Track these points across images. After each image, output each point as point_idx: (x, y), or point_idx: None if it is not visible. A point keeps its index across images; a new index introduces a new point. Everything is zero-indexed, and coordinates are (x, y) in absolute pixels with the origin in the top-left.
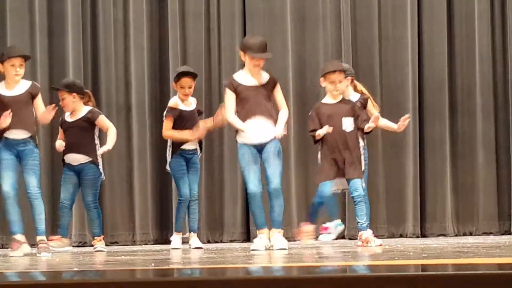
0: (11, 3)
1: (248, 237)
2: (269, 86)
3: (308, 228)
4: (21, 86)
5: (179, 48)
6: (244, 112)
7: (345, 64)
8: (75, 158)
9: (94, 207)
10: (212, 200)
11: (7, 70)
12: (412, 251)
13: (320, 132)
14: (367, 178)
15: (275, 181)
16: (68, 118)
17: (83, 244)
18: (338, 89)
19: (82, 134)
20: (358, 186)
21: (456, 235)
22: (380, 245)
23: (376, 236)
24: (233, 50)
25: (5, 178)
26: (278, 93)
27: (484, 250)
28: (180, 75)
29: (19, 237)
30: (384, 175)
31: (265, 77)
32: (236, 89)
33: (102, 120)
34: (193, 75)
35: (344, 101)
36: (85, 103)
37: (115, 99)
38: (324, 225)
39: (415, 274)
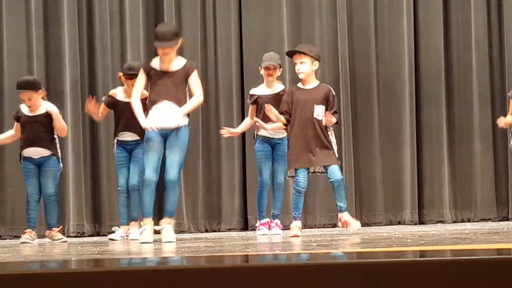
0: None
1: (246, 226)
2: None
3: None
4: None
5: None
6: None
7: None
8: (37, 151)
9: (54, 199)
10: (210, 189)
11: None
12: (410, 238)
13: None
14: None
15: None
16: (27, 112)
17: (81, 234)
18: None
19: (44, 128)
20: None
21: (454, 222)
22: (358, 230)
23: (374, 223)
24: (229, 40)
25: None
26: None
27: (482, 236)
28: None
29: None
30: (382, 162)
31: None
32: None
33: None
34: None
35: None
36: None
37: (112, 89)
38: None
39: (413, 260)
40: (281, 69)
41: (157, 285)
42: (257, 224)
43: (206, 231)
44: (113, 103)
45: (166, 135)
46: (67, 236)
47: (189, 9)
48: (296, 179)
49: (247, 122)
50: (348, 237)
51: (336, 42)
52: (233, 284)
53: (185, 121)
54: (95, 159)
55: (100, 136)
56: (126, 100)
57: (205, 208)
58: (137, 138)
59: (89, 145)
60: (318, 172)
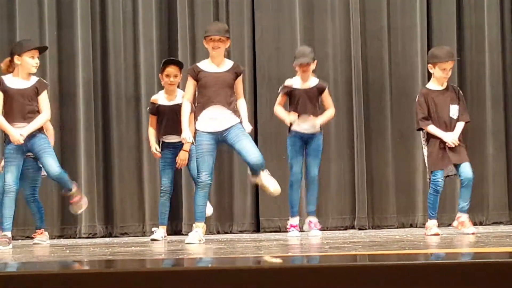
0: None
1: (258, 227)
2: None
3: (430, 223)
4: (30, 80)
5: (188, 39)
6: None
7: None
8: None
9: (33, 200)
10: (222, 191)
11: (25, 61)
12: (422, 241)
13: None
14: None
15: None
16: None
17: (93, 235)
18: (447, 76)
19: None
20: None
21: None
22: (473, 233)
23: (386, 226)
24: (241, 40)
25: (9, 172)
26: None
27: (494, 239)
28: (165, 64)
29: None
30: (394, 165)
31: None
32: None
33: None
34: (178, 64)
35: (448, 88)
36: None
37: (124, 90)
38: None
39: (425, 262)
40: (315, 61)
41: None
42: (288, 225)
43: (218, 233)
44: (156, 109)
45: (218, 138)
46: (79, 237)
47: (202, 9)
48: (434, 179)
49: (282, 111)
50: (360, 240)
51: (349, 43)
52: (245, 285)
53: (238, 120)
54: (107, 160)
55: (113, 137)
56: (168, 103)
57: (216, 209)
58: (179, 140)
59: (102, 146)
60: (451, 175)
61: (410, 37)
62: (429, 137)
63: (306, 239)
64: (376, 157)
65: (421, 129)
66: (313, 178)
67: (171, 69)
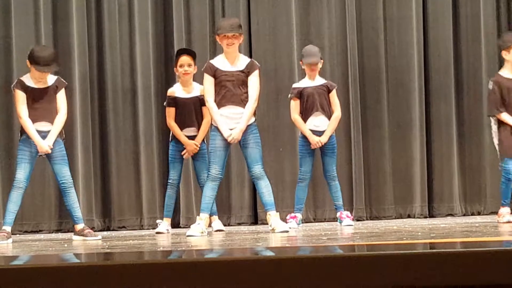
0: None
1: (255, 219)
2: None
3: (503, 210)
4: (49, 80)
5: (183, 31)
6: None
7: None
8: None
9: None
10: (220, 183)
11: (33, 71)
12: (420, 231)
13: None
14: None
15: None
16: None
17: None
18: None
19: None
20: None
21: (464, 215)
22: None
23: (384, 217)
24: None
25: (21, 169)
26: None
27: (492, 229)
28: (178, 54)
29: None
30: (391, 156)
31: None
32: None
33: None
34: (191, 53)
35: None
36: None
37: (121, 84)
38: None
39: (423, 252)
40: (322, 60)
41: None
42: (288, 216)
43: None
44: (174, 102)
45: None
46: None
47: (198, 2)
48: (506, 167)
49: (303, 124)
50: (358, 231)
51: (345, 34)
52: (244, 276)
53: (252, 119)
54: (104, 154)
55: (109, 131)
56: (185, 95)
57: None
58: (195, 134)
59: (99, 140)
60: None
61: (406, 27)
62: (500, 125)
63: (302, 231)
64: (373, 148)
65: (492, 116)
66: (332, 176)
67: (185, 58)
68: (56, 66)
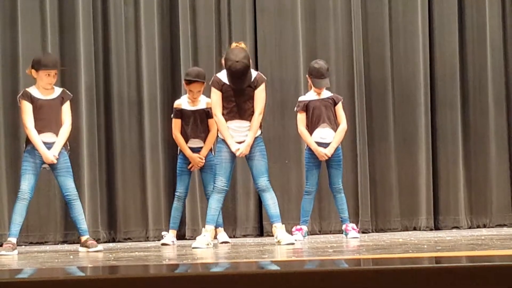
0: (22, 1)
1: (261, 231)
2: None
3: None
4: (54, 92)
5: (190, 44)
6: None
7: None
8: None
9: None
10: (225, 195)
11: (40, 78)
12: (426, 244)
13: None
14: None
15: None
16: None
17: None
18: None
19: None
20: None
21: (470, 228)
22: None
23: (389, 229)
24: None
25: (26, 180)
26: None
27: (498, 242)
28: (191, 81)
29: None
30: (397, 167)
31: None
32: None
33: None
34: (203, 81)
35: None
36: None
37: (127, 95)
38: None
39: (429, 266)
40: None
41: None
42: (293, 229)
43: None
44: (180, 113)
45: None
46: None
47: (204, 14)
48: None
49: (307, 134)
50: (364, 243)
51: (351, 45)
52: None
53: (258, 132)
54: (110, 165)
55: (115, 142)
56: (191, 108)
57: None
58: (201, 145)
59: (104, 151)
60: None
61: (411, 39)
62: None
63: (308, 243)
64: (379, 160)
65: None
66: (338, 189)
67: (196, 86)
68: (63, 66)
